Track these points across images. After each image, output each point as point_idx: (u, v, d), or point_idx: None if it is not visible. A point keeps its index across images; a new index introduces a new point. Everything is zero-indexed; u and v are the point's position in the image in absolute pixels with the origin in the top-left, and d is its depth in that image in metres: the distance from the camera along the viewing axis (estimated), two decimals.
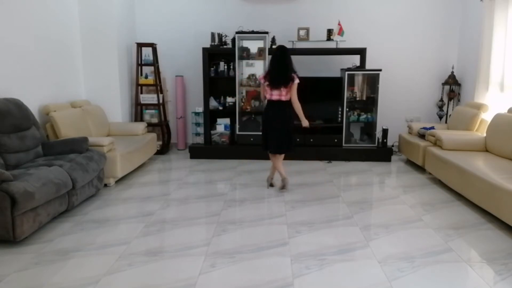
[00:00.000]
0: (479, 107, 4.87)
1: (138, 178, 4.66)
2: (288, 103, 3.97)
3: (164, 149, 5.93)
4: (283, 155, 4.20)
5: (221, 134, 5.68)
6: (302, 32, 5.65)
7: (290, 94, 3.93)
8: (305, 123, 4.10)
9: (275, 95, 3.93)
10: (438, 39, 5.99)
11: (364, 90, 5.65)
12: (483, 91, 5.07)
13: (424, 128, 5.22)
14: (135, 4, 6.03)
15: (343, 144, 5.57)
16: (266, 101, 4.13)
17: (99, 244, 2.91)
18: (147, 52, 5.77)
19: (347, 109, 5.54)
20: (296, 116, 4.06)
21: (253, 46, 5.57)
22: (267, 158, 5.34)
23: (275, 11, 5.95)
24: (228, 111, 5.72)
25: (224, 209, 3.63)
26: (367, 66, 5.57)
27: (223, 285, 2.38)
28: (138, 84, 5.77)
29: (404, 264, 2.64)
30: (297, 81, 3.90)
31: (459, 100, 5.96)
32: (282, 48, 4.02)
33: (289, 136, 4.05)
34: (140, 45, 5.73)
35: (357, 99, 5.62)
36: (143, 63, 5.77)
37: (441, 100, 6.02)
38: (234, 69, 5.63)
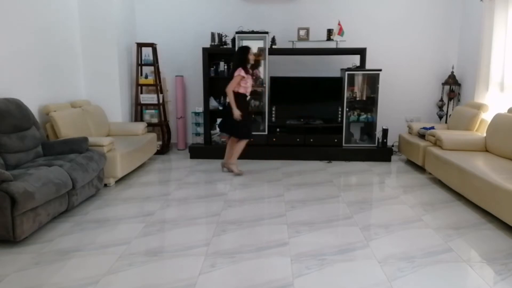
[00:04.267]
0: (479, 107, 4.86)
1: (138, 178, 4.66)
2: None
3: (164, 149, 5.92)
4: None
5: (221, 134, 5.68)
6: (302, 32, 5.64)
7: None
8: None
9: (248, 87, 4.53)
10: (438, 39, 5.99)
11: (364, 90, 5.64)
12: (483, 91, 5.06)
13: (424, 128, 5.21)
14: (135, 4, 6.03)
15: (343, 144, 5.57)
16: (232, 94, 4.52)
17: (99, 244, 2.91)
18: (147, 52, 5.77)
19: (347, 109, 5.54)
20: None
21: (253, 46, 5.55)
22: (267, 158, 5.39)
23: (275, 11, 5.95)
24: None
25: (224, 209, 3.63)
26: (367, 66, 5.56)
27: (223, 285, 2.38)
28: (138, 84, 5.77)
29: (404, 264, 2.64)
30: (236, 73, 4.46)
31: (459, 100, 5.96)
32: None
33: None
34: (140, 45, 5.73)
35: (357, 99, 5.61)
36: (143, 63, 5.77)
37: (441, 100, 6.02)
38: None
